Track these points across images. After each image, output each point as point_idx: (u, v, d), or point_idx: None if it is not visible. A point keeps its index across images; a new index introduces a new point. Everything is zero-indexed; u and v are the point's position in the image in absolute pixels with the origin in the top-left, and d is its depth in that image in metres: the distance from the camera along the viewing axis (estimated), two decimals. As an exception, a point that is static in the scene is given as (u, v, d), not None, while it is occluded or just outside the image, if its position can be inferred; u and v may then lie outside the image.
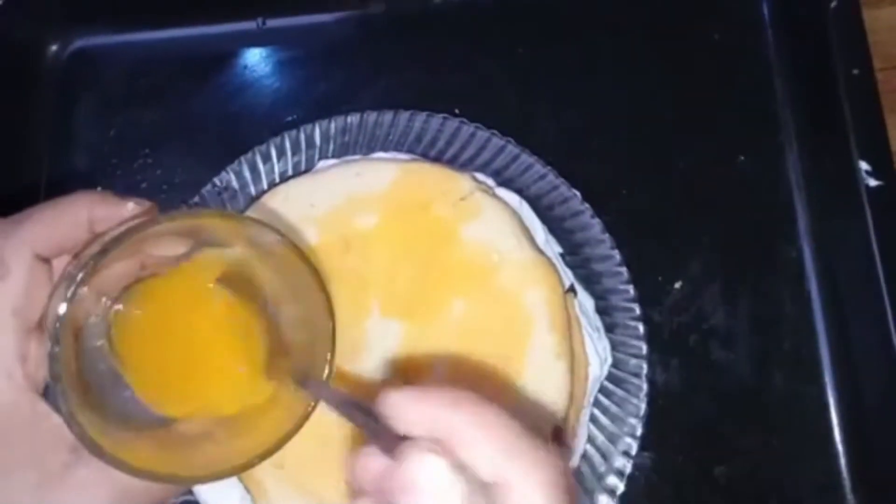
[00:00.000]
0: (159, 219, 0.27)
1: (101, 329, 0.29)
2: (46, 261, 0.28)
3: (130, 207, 0.29)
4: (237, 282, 0.31)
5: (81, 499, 0.27)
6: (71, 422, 0.25)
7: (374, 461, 0.24)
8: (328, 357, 0.29)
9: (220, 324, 0.30)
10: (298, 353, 0.30)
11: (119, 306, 0.29)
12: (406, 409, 0.24)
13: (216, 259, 0.30)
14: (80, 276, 0.26)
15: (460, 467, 0.23)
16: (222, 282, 0.30)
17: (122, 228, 0.27)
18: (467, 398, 0.24)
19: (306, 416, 0.28)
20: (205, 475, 0.28)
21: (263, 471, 0.35)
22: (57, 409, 0.26)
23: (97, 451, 0.25)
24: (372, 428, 0.25)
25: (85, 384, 0.28)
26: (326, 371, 0.29)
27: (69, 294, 0.25)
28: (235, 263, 0.30)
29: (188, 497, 0.37)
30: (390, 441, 0.24)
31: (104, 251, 0.26)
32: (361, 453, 0.25)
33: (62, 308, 0.25)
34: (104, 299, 0.29)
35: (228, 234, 0.30)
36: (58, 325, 0.25)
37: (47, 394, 0.27)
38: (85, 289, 0.26)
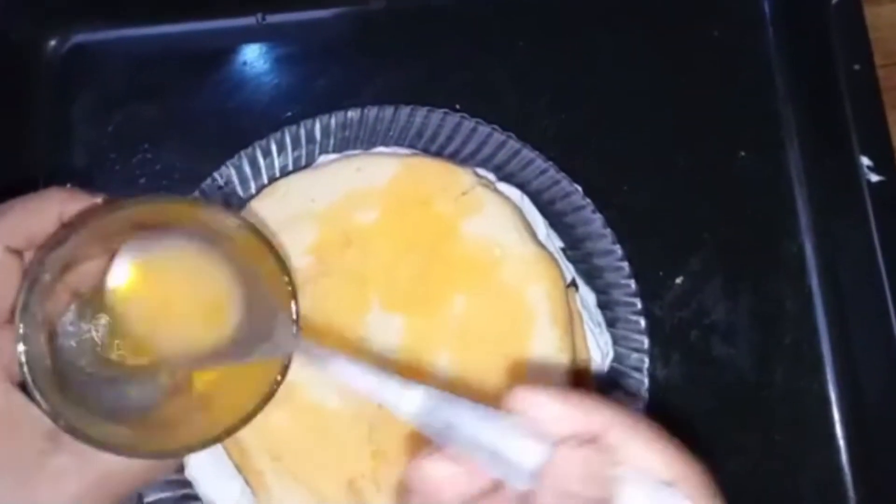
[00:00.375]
0: (123, 204, 0.28)
1: (76, 328, 0.29)
2: (19, 254, 0.28)
3: (100, 202, 0.29)
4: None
5: (60, 485, 0.27)
6: (43, 401, 0.26)
7: (449, 470, 0.23)
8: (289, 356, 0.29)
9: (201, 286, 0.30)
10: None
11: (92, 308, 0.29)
12: (551, 407, 0.23)
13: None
14: (43, 257, 0.26)
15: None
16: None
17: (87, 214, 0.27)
18: (610, 402, 0.24)
19: (277, 384, 0.28)
20: (179, 448, 0.28)
21: (263, 462, 0.35)
22: (32, 397, 0.26)
23: (70, 427, 0.26)
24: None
25: (62, 380, 0.28)
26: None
27: (33, 274, 0.26)
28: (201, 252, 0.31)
29: (188, 491, 0.37)
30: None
31: (67, 234, 0.26)
32: (432, 461, 0.23)
33: (24, 289, 0.26)
34: (79, 298, 0.29)
35: (191, 221, 0.30)
36: (22, 304, 0.26)
37: (24, 385, 0.27)
38: (48, 275, 0.26)
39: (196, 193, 0.42)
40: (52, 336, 0.28)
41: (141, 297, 0.30)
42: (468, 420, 0.22)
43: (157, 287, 0.30)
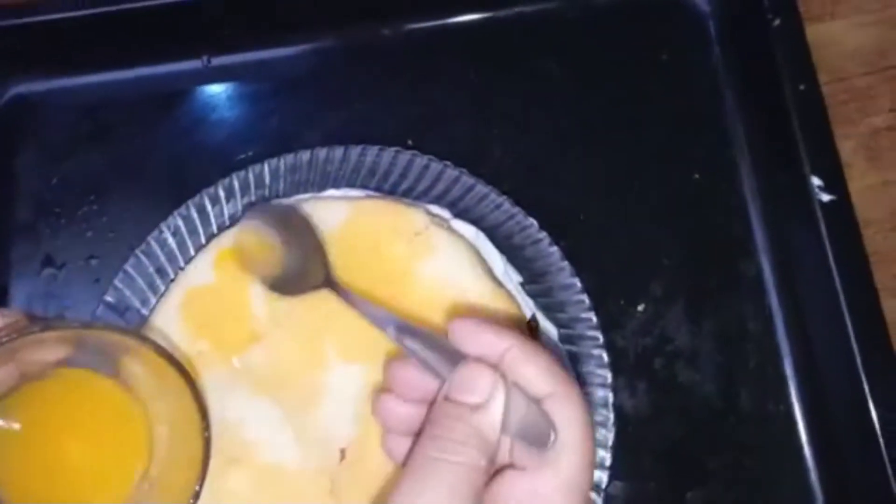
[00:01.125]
0: (25, 332, 0.28)
1: None
2: None
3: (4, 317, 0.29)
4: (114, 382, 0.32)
5: None
6: None
7: (420, 378, 0.31)
8: (202, 452, 0.31)
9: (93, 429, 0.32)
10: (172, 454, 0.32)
11: None
12: (474, 334, 0.31)
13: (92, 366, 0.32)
14: None
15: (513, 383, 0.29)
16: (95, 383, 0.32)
17: None
18: (516, 333, 0.31)
19: None
20: None
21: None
22: None
23: None
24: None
25: None
26: (201, 466, 0.31)
27: None
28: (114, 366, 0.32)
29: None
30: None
31: None
32: (406, 364, 0.32)
33: None
34: None
35: (104, 342, 0.31)
36: None
37: None
38: None
39: (143, 246, 0.41)
40: None
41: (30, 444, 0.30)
42: (425, 344, 0.31)
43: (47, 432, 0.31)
